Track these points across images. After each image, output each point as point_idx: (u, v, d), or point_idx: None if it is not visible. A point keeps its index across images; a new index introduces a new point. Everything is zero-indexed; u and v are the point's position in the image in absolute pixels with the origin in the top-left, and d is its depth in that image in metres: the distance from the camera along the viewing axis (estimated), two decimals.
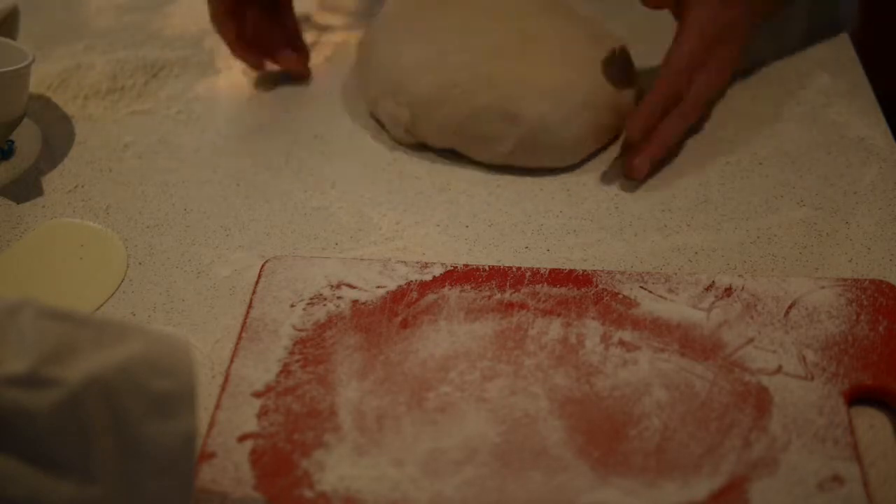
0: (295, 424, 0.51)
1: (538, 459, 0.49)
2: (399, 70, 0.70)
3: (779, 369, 0.53)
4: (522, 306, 0.57)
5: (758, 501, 0.47)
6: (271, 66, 0.79)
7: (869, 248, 0.62)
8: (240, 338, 0.56)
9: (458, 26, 0.71)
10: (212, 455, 0.50)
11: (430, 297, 0.58)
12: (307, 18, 0.87)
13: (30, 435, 0.39)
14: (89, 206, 0.68)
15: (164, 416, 0.41)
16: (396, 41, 0.72)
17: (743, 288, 0.57)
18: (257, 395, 0.53)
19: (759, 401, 0.51)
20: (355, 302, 0.58)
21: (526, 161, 0.68)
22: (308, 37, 0.85)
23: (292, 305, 0.58)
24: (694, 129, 0.72)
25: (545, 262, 0.62)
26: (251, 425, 0.51)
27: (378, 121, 0.74)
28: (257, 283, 0.60)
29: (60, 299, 0.60)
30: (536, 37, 0.70)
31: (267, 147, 0.73)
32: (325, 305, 0.58)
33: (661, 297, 0.57)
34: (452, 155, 0.71)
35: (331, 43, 0.84)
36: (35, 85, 0.78)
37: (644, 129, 0.67)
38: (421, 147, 0.71)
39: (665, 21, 0.71)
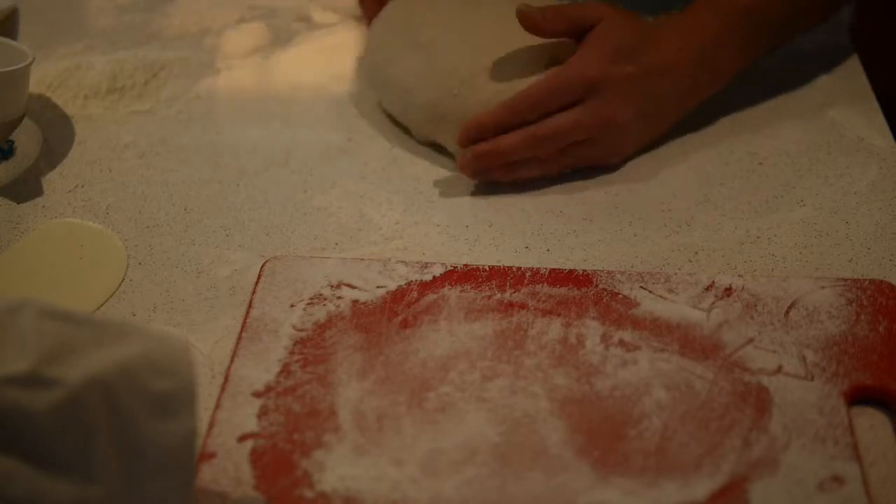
0: (295, 424, 0.51)
1: (538, 459, 0.49)
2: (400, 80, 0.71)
3: (779, 369, 0.53)
4: (522, 306, 0.57)
5: (758, 501, 0.47)
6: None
7: (869, 248, 0.62)
8: (240, 338, 0.56)
9: (453, 25, 0.71)
10: (212, 455, 0.50)
11: (430, 297, 0.58)
12: (307, 18, 0.87)
13: (30, 435, 0.39)
14: (89, 206, 0.68)
15: (164, 416, 0.41)
16: (395, 46, 0.72)
17: (743, 288, 0.57)
18: (257, 395, 0.53)
19: (759, 401, 0.51)
20: (355, 302, 0.58)
21: None
22: (308, 37, 0.85)
23: (292, 305, 0.58)
24: (694, 129, 0.72)
25: (545, 262, 0.62)
26: (251, 425, 0.51)
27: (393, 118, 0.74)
28: (257, 283, 0.60)
29: (60, 299, 0.60)
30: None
31: (267, 147, 0.73)
32: (325, 305, 0.58)
33: (661, 297, 0.57)
34: (451, 154, 0.71)
35: (331, 43, 0.84)
36: (35, 85, 0.77)
37: (471, 142, 0.66)
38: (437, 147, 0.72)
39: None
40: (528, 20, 0.66)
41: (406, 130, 0.73)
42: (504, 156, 0.66)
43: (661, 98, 0.67)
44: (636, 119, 0.66)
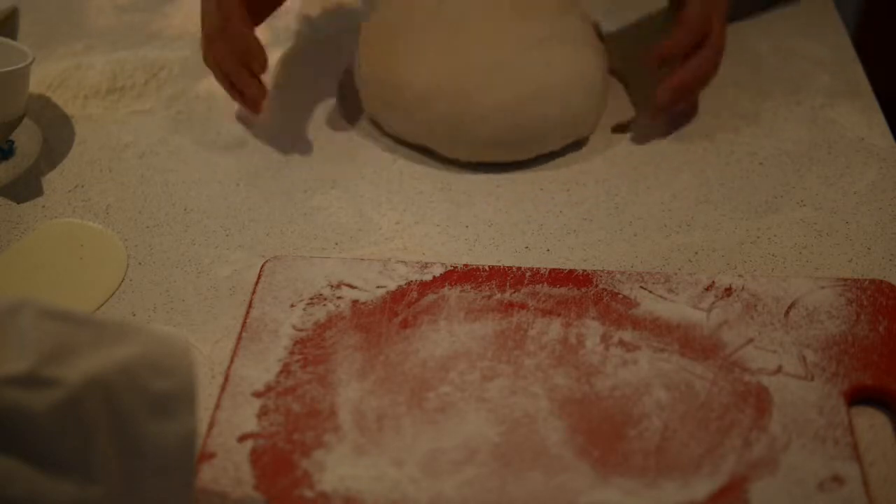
0: (295, 424, 0.51)
1: (538, 459, 0.49)
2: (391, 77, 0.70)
3: (779, 369, 0.53)
4: (522, 306, 0.57)
5: (758, 501, 0.47)
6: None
7: (869, 248, 0.62)
8: (240, 338, 0.56)
9: (445, 27, 0.70)
10: (212, 455, 0.50)
11: (430, 297, 0.58)
12: (307, 18, 0.87)
13: (30, 435, 0.39)
14: (89, 206, 0.68)
15: (164, 416, 0.41)
16: (389, 44, 0.71)
17: (743, 288, 0.57)
18: (257, 395, 0.53)
19: (759, 401, 0.51)
20: (355, 302, 0.58)
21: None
22: (308, 36, 0.85)
23: (292, 305, 0.58)
24: (694, 129, 0.72)
25: (545, 262, 0.62)
26: (251, 425, 0.51)
27: (375, 122, 0.74)
28: (257, 283, 0.60)
29: (60, 299, 0.60)
30: (517, 34, 0.69)
31: (267, 147, 0.73)
32: (325, 305, 0.58)
33: (661, 297, 0.57)
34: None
35: (331, 42, 0.84)
36: (35, 85, 0.78)
37: (673, 97, 0.70)
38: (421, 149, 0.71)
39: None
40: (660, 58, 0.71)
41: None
42: (692, 87, 0.71)
43: None
44: None
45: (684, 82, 0.70)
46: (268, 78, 0.81)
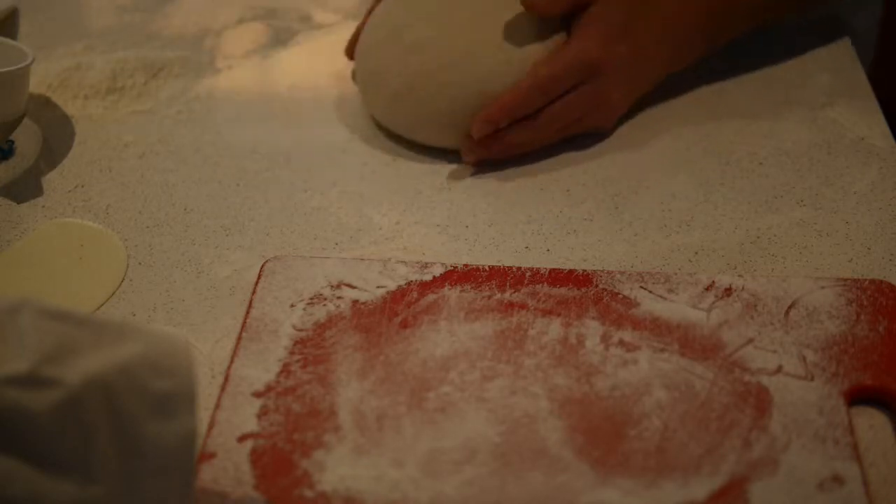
0: (295, 424, 0.51)
1: (538, 459, 0.49)
2: (376, 67, 0.71)
3: (779, 369, 0.53)
4: (522, 306, 0.57)
5: (758, 501, 0.47)
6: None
7: (869, 248, 0.62)
8: (240, 338, 0.56)
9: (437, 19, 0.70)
10: (212, 455, 0.50)
11: (430, 297, 0.58)
12: (307, 18, 0.87)
13: (30, 435, 0.39)
14: (89, 206, 0.68)
15: (164, 416, 0.41)
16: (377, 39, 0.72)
17: (743, 288, 0.57)
18: (257, 395, 0.53)
19: (759, 401, 0.51)
20: (355, 302, 0.58)
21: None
22: (308, 37, 0.85)
23: (292, 305, 0.58)
24: (694, 129, 0.72)
25: (545, 262, 0.62)
26: (251, 425, 0.51)
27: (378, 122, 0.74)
28: (257, 283, 0.60)
29: (60, 299, 0.60)
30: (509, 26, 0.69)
31: (267, 147, 0.73)
32: (325, 305, 0.58)
33: (661, 297, 0.57)
34: (450, 154, 0.71)
35: (331, 43, 0.84)
36: (35, 85, 0.78)
37: (488, 132, 0.67)
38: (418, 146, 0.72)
39: None
40: (530, 3, 0.68)
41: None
42: (512, 147, 0.69)
43: (650, 68, 0.71)
44: (627, 94, 0.70)
45: (502, 155, 0.69)
46: (268, 78, 0.81)
